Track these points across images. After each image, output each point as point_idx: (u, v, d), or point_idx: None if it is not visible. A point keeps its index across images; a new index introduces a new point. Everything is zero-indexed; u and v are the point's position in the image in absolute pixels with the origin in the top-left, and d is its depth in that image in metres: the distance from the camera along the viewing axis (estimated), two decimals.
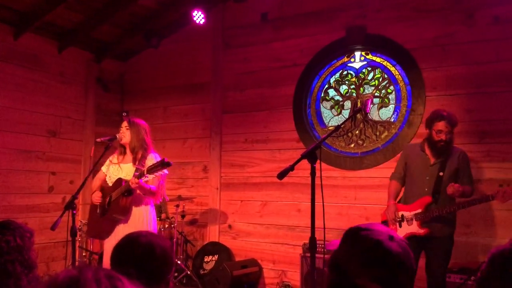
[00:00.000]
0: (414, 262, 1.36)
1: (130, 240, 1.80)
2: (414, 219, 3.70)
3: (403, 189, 3.99)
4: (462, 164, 3.71)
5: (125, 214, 3.63)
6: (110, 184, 3.79)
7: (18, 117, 5.24)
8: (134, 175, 3.51)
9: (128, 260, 1.72)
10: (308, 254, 3.91)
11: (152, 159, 3.72)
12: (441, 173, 3.67)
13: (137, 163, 3.70)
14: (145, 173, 3.44)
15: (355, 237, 1.36)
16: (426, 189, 3.70)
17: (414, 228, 3.69)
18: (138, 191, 3.63)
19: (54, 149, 5.62)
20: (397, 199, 3.95)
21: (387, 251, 1.29)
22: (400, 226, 3.77)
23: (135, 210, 3.69)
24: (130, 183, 3.48)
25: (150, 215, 3.77)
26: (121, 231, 3.63)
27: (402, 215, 3.77)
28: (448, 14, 4.60)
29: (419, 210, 3.68)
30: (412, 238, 3.69)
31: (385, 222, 3.88)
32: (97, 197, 3.78)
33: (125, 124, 3.82)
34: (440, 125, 3.64)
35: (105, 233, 3.73)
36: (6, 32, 5.14)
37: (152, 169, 3.41)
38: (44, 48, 5.54)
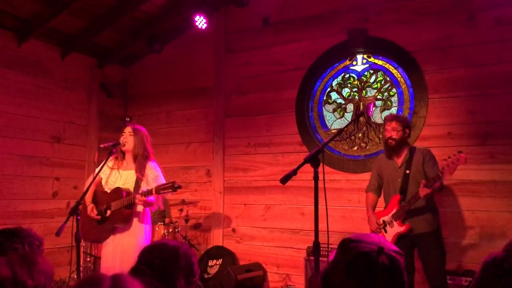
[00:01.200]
0: (405, 274, 1.33)
1: (158, 244, 2.01)
2: (393, 220, 3.77)
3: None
4: (425, 158, 3.80)
5: (127, 223, 3.67)
6: (108, 191, 3.78)
7: (22, 123, 5.27)
8: (141, 192, 3.53)
9: (154, 261, 1.86)
10: (312, 258, 3.92)
11: (151, 168, 3.75)
12: (407, 171, 3.79)
13: (138, 171, 3.72)
14: (153, 192, 3.45)
15: (344, 248, 1.35)
16: (397, 189, 3.82)
17: (396, 228, 3.77)
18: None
19: (58, 155, 5.65)
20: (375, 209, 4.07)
21: (372, 263, 1.27)
22: (386, 231, 3.83)
23: (134, 219, 3.71)
24: (137, 200, 3.51)
25: (146, 223, 3.79)
26: (118, 237, 3.69)
27: (384, 221, 3.86)
28: (449, 17, 4.60)
29: (395, 210, 3.78)
30: (401, 239, 3.73)
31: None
32: (93, 214, 3.73)
33: (129, 130, 3.82)
34: (388, 125, 3.88)
35: (102, 238, 3.77)
36: (10, 39, 5.18)
37: (161, 190, 3.42)
38: (47, 54, 5.58)
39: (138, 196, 3.50)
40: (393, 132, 3.84)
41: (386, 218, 3.83)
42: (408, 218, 3.72)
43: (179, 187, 3.38)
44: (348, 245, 1.33)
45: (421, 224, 3.70)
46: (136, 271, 1.80)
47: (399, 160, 3.88)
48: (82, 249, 5.04)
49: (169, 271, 1.82)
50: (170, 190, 3.38)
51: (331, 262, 1.36)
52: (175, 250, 1.90)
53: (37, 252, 2.02)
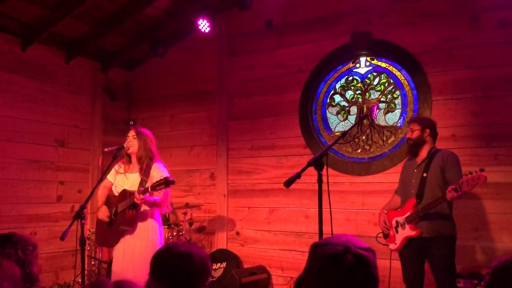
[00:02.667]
0: (374, 271, 1.33)
1: (168, 249, 1.90)
2: (406, 223, 3.73)
3: None
4: (447, 163, 3.69)
5: (132, 225, 3.66)
6: (116, 194, 3.81)
7: (26, 127, 5.29)
8: (138, 191, 3.53)
9: (167, 267, 1.80)
10: None
11: (157, 169, 3.75)
12: (424, 174, 3.73)
13: (142, 173, 3.73)
14: (149, 190, 3.46)
15: (312, 253, 1.36)
16: (413, 192, 3.76)
17: (407, 231, 3.72)
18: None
19: (62, 159, 5.66)
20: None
21: (337, 264, 1.28)
22: (397, 232, 3.80)
23: (141, 220, 3.71)
24: (135, 200, 3.50)
25: (156, 224, 3.79)
26: (128, 240, 3.69)
27: (397, 221, 3.81)
28: (452, 18, 4.60)
29: (409, 213, 3.72)
30: (410, 243, 3.70)
31: (385, 235, 3.91)
32: (104, 215, 3.76)
33: (132, 133, 3.84)
34: (409, 126, 3.91)
35: (113, 241, 3.78)
36: (14, 44, 5.20)
37: (156, 187, 3.43)
38: (51, 59, 5.60)
39: (136, 195, 3.49)
40: (410, 132, 3.84)
41: (400, 219, 3.78)
42: (419, 223, 3.67)
43: (172, 182, 3.38)
44: (316, 249, 1.34)
45: (430, 229, 3.63)
46: (149, 281, 1.77)
47: (418, 160, 3.84)
48: (86, 253, 5.05)
49: (185, 278, 1.77)
50: (163, 185, 3.39)
51: (303, 269, 1.36)
52: (188, 255, 1.82)
53: (31, 257, 2.01)
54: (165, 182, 3.38)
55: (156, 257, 1.87)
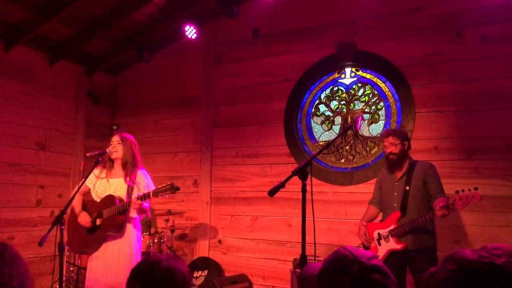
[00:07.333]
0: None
1: (150, 264, 1.76)
2: (389, 236, 3.74)
3: None
4: (428, 175, 3.73)
5: (120, 230, 3.64)
6: (98, 200, 3.74)
7: (7, 129, 5.20)
8: (137, 197, 3.49)
9: (147, 285, 1.70)
10: (299, 270, 3.91)
11: (142, 176, 3.72)
12: (407, 187, 3.75)
13: (128, 179, 3.69)
14: (151, 195, 3.40)
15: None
16: (395, 205, 3.78)
17: (392, 244, 3.73)
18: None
19: (43, 162, 5.57)
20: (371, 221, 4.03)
21: None
22: (379, 244, 3.81)
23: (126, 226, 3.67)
24: (133, 204, 3.46)
25: (136, 231, 3.76)
26: (109, 247, 3.63)
27: (379, 233, 3.82)
28: (437, 33, 4.67)
29: (393, 226, 3.73)
30: (393, 255, 3.71)
31: (366, 247, 3.92)
32: (85, 220, 3.70)
33: (116, 138, 3.80)
34: (386, 141, 3.85)
35: (92, 248, 3.69)
36: None
37: (160, 192, 3.37)
38: (35, 61, 5.53)
39: (134, 200, 3.46)
40: (392, 147, 3.79)
41: (382, 232, 3.79)
42: (403, 236, 3.69)
43: (177, 188, 3.32)
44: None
45: (414, 243, 3.66)
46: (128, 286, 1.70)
47: (399, 174, 3.84)
48: (65, 259, 4.96)
49: None
50: (169, 192, 3.33)
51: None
52: (169, 269, 1.73)
53: None
54: (171, 189, 3.32)
55: (135, 272, 1.76)
